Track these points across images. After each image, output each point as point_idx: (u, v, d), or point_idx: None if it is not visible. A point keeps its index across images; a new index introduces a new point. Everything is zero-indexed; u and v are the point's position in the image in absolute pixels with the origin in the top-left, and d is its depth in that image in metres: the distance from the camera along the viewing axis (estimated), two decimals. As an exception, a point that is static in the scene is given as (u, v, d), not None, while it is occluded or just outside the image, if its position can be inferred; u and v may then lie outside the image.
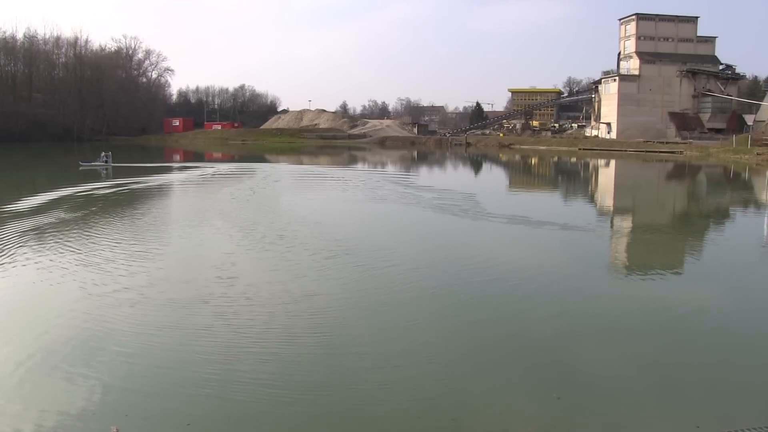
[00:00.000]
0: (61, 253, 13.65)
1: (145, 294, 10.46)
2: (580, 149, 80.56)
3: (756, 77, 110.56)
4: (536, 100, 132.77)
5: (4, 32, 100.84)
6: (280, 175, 40.29)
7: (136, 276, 11.66)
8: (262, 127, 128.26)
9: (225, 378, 7.15)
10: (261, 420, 6.30)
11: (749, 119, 77.25)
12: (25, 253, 13.62)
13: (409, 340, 8.66)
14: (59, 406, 6.40)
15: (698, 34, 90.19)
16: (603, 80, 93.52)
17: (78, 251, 13.87)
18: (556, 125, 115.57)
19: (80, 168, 40.45)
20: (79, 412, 6.28)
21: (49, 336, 8.51)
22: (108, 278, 11.41)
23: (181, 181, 35.51)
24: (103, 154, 42.91)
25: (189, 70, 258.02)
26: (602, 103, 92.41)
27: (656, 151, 71.45)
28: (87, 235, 16.07)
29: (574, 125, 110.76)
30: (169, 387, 6.94)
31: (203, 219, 19.34)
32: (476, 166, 60.33)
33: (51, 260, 12.90)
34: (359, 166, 55.81)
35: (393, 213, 22.59)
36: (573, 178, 48.00)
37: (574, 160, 67.27)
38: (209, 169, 45.74)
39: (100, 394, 6.69)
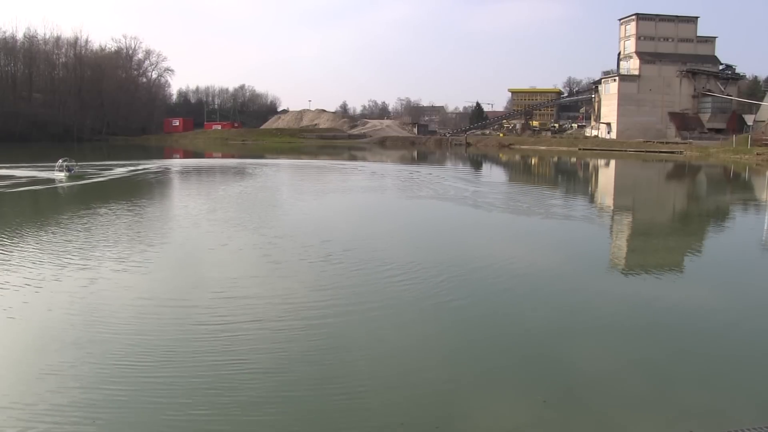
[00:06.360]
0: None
1: (120, 296, 10.39)
2: (580, 149, 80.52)
3: (756, 77, 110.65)
4: (536, 100, 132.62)
5: (4, 32, 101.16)
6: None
7: (108, 280, 11.60)
8: (262, 127, 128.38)
9: (200, 386, 6.99)
10: (243, 425, 6.22)
11: (749, 119, 77.32)
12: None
13: (395, 343, 8.59)
14: (30, 410, 6.32)
15: (698, 34, 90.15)
16: (603, 80, 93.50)
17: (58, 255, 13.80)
18: (556, 125, 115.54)
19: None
20: (49, 417, 6.20)
21: (18, 341, 8.45)
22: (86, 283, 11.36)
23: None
24: (60, 160, 32.75)
25: (189, 70, 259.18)
26: (602, 103, 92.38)
27: (656, 151, 71.42)
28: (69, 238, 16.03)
29: (574, 125, 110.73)
30: (139, 393, 6.79)
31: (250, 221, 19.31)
32: (476, 166, 60.20)
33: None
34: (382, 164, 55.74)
35: (383, 202, 22.57)
36: (573, 178, 47.93)
37: (574, 160, 67.20)
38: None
39: (69, 399, 6.61)
